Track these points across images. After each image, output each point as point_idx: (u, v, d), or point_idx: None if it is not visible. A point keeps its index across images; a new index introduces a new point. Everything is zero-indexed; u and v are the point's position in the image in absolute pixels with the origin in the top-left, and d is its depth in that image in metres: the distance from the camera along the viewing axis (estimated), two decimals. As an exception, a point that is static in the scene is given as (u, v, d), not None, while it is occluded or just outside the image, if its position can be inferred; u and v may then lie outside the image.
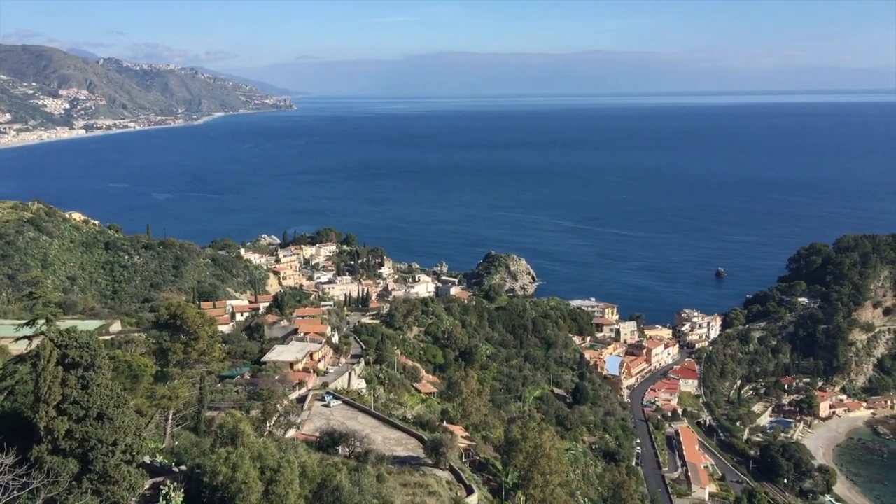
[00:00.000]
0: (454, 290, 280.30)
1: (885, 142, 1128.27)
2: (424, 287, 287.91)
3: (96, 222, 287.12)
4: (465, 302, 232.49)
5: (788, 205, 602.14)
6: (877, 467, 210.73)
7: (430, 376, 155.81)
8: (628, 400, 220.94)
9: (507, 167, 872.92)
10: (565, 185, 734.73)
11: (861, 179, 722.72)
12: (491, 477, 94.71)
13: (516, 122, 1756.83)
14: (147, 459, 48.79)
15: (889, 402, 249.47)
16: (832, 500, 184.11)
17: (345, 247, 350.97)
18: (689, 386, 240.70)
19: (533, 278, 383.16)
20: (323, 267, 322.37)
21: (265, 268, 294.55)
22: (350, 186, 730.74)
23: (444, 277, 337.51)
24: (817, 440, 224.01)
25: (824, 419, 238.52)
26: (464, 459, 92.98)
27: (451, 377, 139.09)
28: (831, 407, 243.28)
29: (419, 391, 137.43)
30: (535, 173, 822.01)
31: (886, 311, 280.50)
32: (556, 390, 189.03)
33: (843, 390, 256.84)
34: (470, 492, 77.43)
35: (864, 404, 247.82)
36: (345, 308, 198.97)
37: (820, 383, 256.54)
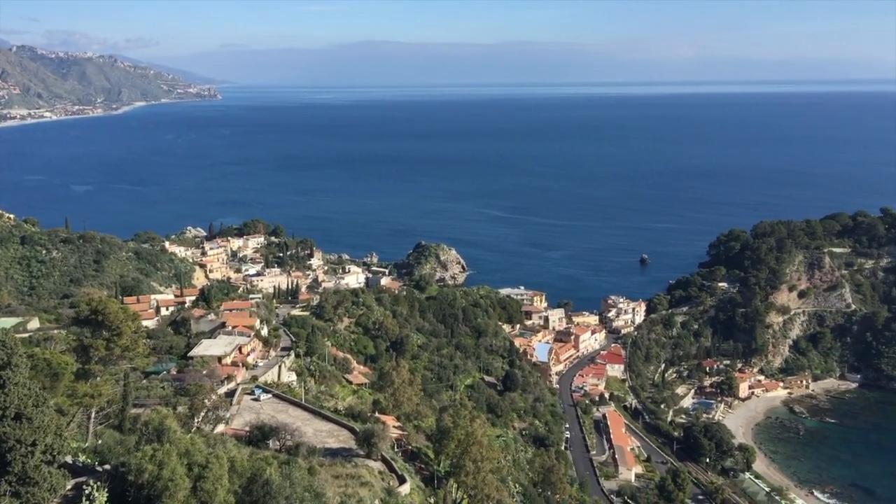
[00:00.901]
0: (384, 281, 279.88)
1: (799, 131, 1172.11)
2: (355, 278, 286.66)
3: (11, 216, 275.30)
4: (396, 292, 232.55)
5: (709, 192, 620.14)
6: (793, 444, 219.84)
7: (362, 367, 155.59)
8: (557, 386, 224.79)
9: (436, 157, 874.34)
10: (493, 175, 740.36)
11: (776, 167, 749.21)
12: (423, 466, 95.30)
13: (445, 113, 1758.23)
14: (69, 459, 47.50)
15: (804, 382, 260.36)
16: (752, 477, 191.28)
17: (273, 238, 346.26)
18: (616, 370, 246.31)
19: (463, 268, 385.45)
20: (251, 259, 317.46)
21: (191, 261, 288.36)
22: (278, 177, 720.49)
23: (374, 268, 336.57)
24: (737, 420, 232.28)
25: (744, 399, 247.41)
26: (396, 449, 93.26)
27: (383, 367, 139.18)
28: (750, 387, 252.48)
29: (350, 382, 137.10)
30: (464, 163, 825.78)
31: (801, 294, 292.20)
32: (487, 378, 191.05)
33: (762, 371, 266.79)
34: (402, 481, 77.82)
35: (781, 384, 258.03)
36: (274, 300, 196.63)
37: (739, 365, 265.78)
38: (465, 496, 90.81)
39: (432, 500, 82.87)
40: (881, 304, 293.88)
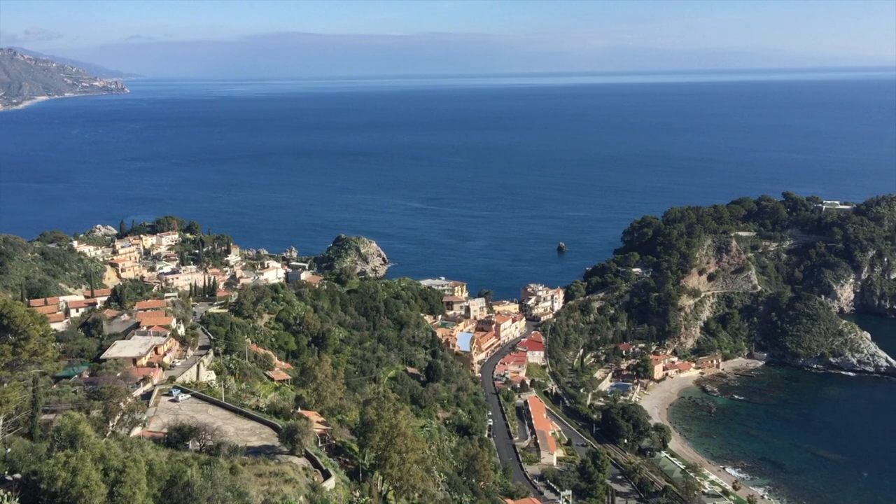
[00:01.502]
0: (305, 276, 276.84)
1: (704, 119, 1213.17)
2: (274, 273, 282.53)
3: None
4: (317, 286, 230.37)
5: (621, 180, 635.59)
6: (706, 422, 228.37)
7: (283, 363, 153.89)
8: (479, 374, 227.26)
9: (353, 149, 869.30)
10: (411, 166, 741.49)
11: (684, 155, 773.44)
12: (348, 460, 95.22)
13: (361, 105, 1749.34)
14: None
15: (715, 362, 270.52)
16: (668, 455, 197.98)
17: (188, 235, 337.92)
18: (536, 357, 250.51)
19: (384, 260, 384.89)
20: (165, 257, 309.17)
21: (101, 260, 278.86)
22: (191, 172, 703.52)
23: (293, 263, 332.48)
24: (653, 401, 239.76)
25: (659, 381, 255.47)
26: (320, 444, 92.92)
27: (305, 363, 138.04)
28: (664, 369, 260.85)
29: (272, 379, 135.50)
30: (381, 155, 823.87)
31: (710, 277, 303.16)
32: (410, 369, 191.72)
33: (675, 353, 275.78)
34: (327, 476, 77.70)
35: (694, 365, 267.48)
36: (191, 298, 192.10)
37: (654, 347, 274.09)
38: (390, 488, 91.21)
39: (358, 494, 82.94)
40: (785, 285, 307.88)
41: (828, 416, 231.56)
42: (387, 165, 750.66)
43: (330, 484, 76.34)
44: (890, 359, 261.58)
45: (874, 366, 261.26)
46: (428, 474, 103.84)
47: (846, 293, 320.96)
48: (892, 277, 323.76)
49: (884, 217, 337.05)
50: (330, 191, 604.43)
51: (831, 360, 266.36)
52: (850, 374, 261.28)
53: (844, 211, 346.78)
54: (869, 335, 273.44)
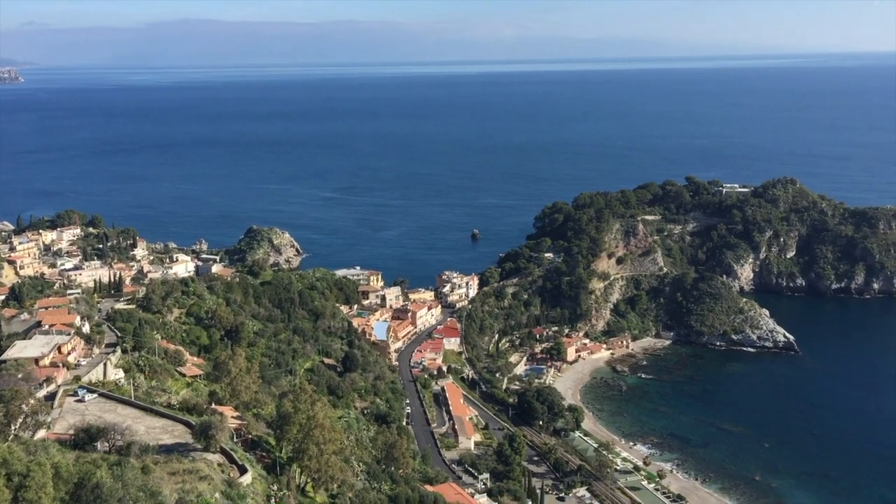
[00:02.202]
0: (216, 268, 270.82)
1: (609, 106, 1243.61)
2: (183, 267, 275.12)
3: None
4: (229, 279, 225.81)
5: (533, 167, 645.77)
6: (617, 401, 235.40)
7: (195, 358, 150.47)
8: (397, 363, 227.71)
9: (263, 139, 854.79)
10: (322, 155, 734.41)
11: (591, 142, 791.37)
12: (265, 454, 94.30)
13: (270, 93, 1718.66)
14: None
15: (624, 342, 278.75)
16: (581, 435, 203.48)
17: (91, 230, 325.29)
18: (453, 344, 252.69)
19: (298, 251, 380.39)
20: (67, 252, 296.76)
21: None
22: (92, 164, 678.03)
23: (204, 255, 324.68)
24: (566, 382, 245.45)
25: (571, 363, 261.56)
26: (235, 440, 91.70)
27: (218, 357, 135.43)
28: (577, 351, 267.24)
29: (184, 375, 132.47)
30: (292, 144, 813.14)
31: (619, 261, 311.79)
32: (327, 360, 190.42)
33: (587, 335, 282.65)
34: (243, 471, 76.88)
35: (605, 346, 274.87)
36: (95, 295, 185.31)
37: (566, 330, 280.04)
38: (308, 480, 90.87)
39: (275, 488, 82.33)
40: (689, 266, 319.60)
41: (730, 391, 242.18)
42: (298, 155, 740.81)
43: (246, 479, 75.57)
44: (787, 334, 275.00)
45: (773, 341, 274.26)
46: (346, 465, 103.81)
47: (746, 273, 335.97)
48: (788, 257, 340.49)
49: (779, 199, 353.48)
50: (239, 181, 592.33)
51: (733, 337, 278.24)
52: (751, 350, 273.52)
53: (743, 194, 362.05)
54: (767, 312, 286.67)
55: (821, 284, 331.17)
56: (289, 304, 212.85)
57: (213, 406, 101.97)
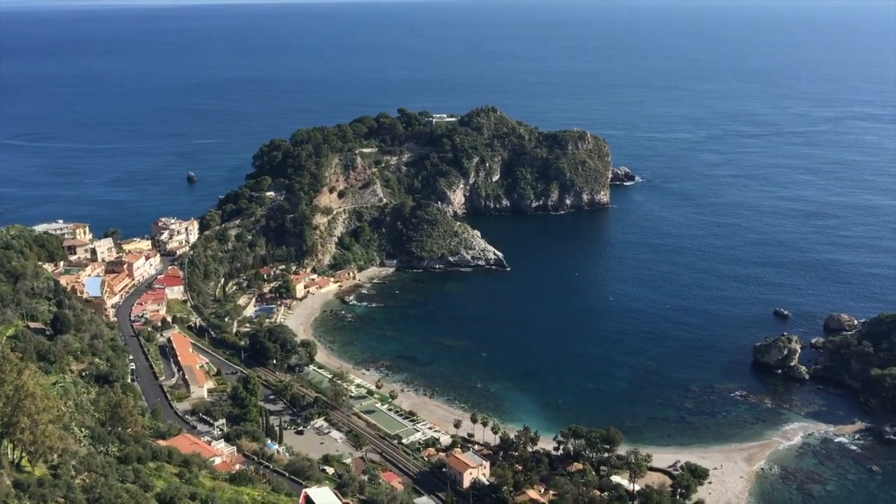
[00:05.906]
0: None
1: (314, 40, 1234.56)
2: None
3: None
4: None
5: (245, 104, 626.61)
6: (348, 331, 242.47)
7: None
8: (115, 319, 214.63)
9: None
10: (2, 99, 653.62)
11: (300, 77, 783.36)
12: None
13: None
14: None
15: (351, 274, 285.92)
16: (315, 368, 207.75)
17: None
18: (176, 293, 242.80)
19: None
20: None
21: None
22: None
23: None
24: (297, 319, 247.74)
25: (301, 299, 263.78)
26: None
27: None
28: (306, 287, 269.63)
29: None
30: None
31: (340, 195, 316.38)
32: (33, 324, 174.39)
33: (314, 270, 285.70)
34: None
35: (332, 279, 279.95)
36: None
37: (294, 268, 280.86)
38: (23, 454, 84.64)
39: (-16, 468, 75.80)
40: (406, 195, 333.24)
41: (451, 310, 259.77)
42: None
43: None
44: (497, 252, 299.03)
45: (485, 260, 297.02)
46: (66, 432, 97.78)
47: (458, 198, 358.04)
48: (493, 180, 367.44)
49: (483, 126, 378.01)
50: None
51: (450, 259, 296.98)
52: (467, 269, 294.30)
53: (451, 123, 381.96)
54: (479, 233, 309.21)
55: (522, 204, 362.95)
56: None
57: None
